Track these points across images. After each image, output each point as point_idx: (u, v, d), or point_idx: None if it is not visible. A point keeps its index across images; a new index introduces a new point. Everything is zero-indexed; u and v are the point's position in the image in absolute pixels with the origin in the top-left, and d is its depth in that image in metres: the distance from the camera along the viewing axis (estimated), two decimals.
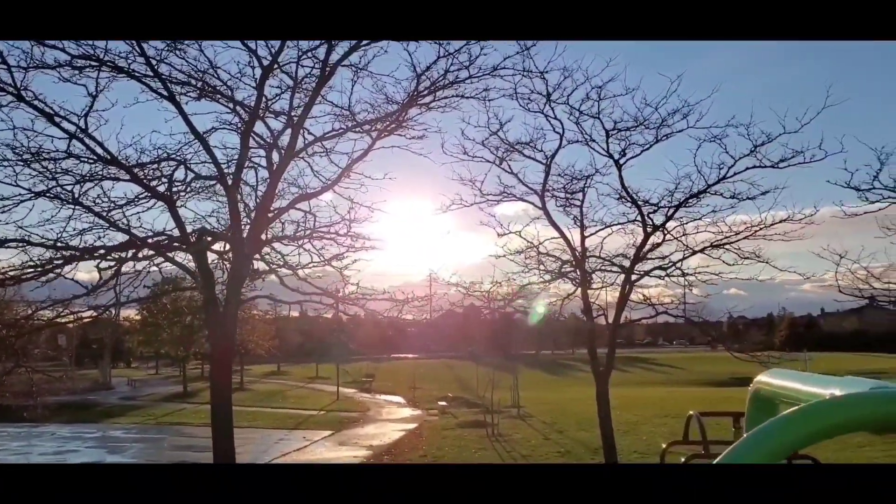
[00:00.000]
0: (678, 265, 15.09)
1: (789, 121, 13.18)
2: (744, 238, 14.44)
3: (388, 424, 32.36)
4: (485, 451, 24.06)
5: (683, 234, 15.01)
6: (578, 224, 15.52)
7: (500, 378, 35.92)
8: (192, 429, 31.39)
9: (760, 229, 14.29)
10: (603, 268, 15.97)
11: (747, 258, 14.43)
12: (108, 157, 11.97)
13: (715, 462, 1.02)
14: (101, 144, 11.86)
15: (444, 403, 39.26)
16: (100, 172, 12.31)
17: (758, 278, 14.90)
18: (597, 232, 15.65)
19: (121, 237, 12.57)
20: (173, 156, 12.97)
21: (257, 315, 49.07)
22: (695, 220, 14.88)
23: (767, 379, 1.55)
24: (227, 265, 13.46)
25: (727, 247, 14.56)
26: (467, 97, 13.29)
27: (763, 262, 14.49)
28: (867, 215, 12.98)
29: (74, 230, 12.10)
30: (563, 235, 15.48)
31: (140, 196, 12.80)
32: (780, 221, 14.18)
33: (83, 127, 11.56)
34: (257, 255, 13.41)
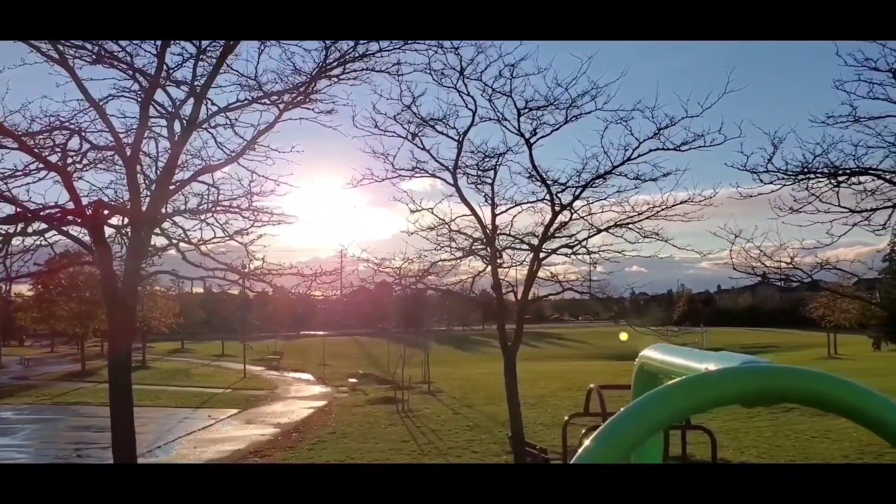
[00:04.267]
0: (584, 243, 15.48)
1: (691, 105, 13.67)
2: (646, 218, 14.94)
3: (297, 402, 32.07)
4: (394, 426, 24.19)
5: (589, 214, 15.39)
6: (489, 202, 15.68)
7: (412, 354, 36.15)
8: (91, 408, 30.15)
9: (662, 209, 14.80)
10: (513, 245, 16.21)
11: (648, 237, 14.93)
12: None
13: (595, 434, 1.02)
14: None
15: (354, 380, 39.19)
16: None
17: (658, 256, 15.47)
18: (507, 210, 15.86)
19: (9, 209, 11.85)
20: (67, 124, 12.28)
21: (160, 291, 47.49)
22: (601, 199, 15.28)
23: (651, 353, 1.59)
24: (126, 240, 12.90)
25: (630, 226, 15.02)
26: (378, 70, 13.13)
27: (663, 240, 15.03)
28: (761, 196, 13.63)
29: None
30: (474, 213, 15.61)
31: (30, 166, 12.06)
32: (681, 203, 14.73)
33: None
34: (157, 230, 12.91)
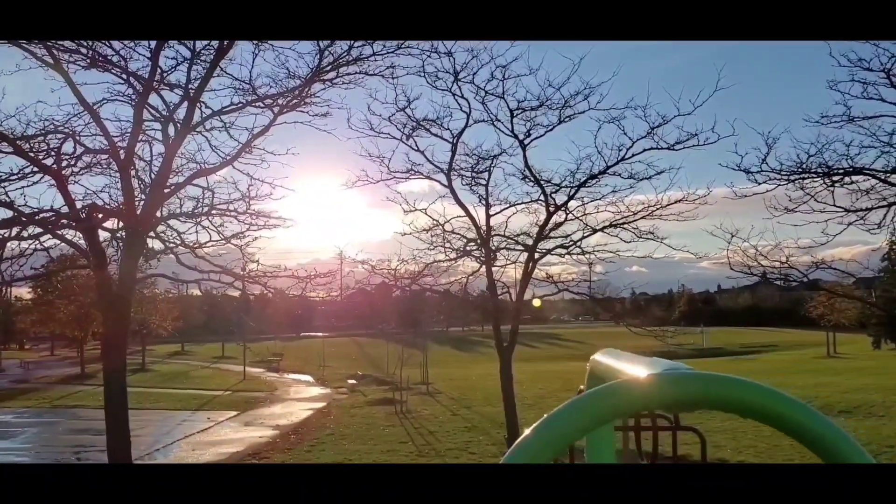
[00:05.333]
0: (579, 244, 15.49)
1: (683, 104, 13.69)
2: (641, 218, 14.95)
3: (296, 404, 32.04)
4: (393, 427, 24.17)
5: (584, 214, 15.41)
6: (484, 202, 15.71)
7: (410, 355, 36.12)
8: (89, 411, 30.11)
9: (657, 209, 14.81)
10: (507, 246, 16.24)
11: (643, 237, 14.95)
12: None
13: (531, 429, 1.04)
14: None
15: (353, 381, 39.16)
16: None
17: (653, 256, 15.49)
18: (502, 211, 15.89)
19: (3, 213, 11.88)
20: (61, 128, 12.31)
21: (159, 294, 47.50)
22: (595, 199, 15.29)
23: (599, 358, 1.61)
24: (121, 243, 12.92)
25: (625, 226, 15.03)
26: (372, 74, 13.15)
27: (658, 240, 15.05)
28: (756, 196, 13.65)
29: None
30: (468, 214, 15.64)
31: (25, 170, 12.10)
32: (676, 202, 14.74)
33: None
34: (152, 233, 12.93)
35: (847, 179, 12.85)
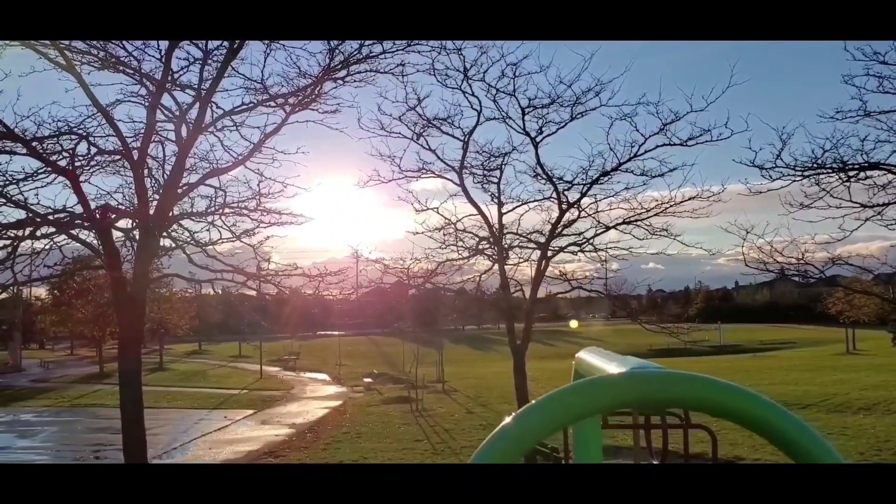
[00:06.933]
0: (591, 241, 15.42)
1: (696, 100, 13.59)
2: (654, 214, 14.86)
3: (312, 402, 32.17)
4: (408, 426, 24.20)
5: (597, 211, 15.34)
6: (496, 201, 15.67)
7: (426, 353, 36.16)
8: (107, 410, 30.36)
9: (670, 206, 14.72)
10: (520, 244, 16.19)
11: (656, 234, 14.85)
12: (4, 130, 11.36)
13: (489, 437, 1.02)
14: None
15: (369, 380, 39.25)
16: None
17: (666, 252, 15.39)
18: (514, 209, 15.85)
19: (18, 214, 11.99)
20: (75, 129, 12.40)
21: (176, 293, 47.85)
22: (608, 196, 15.22)
23: (582, 355, 1.60)
24: (134, 243, 13.01)
25: (638, 223, 14.95)
26: (382, 72, 13.16)
27: (671, 237, 14.96)
28: (771, 193, 13.53)
29: None
30: (480, 212, 15.61)
31: (39, 171, 12.20)
32: (690, 199, 14.65)
33: None
34: (165, 233, 13.00)
35: (863, 175, 12.70)
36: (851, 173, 12.82)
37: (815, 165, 12.87)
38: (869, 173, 12.69)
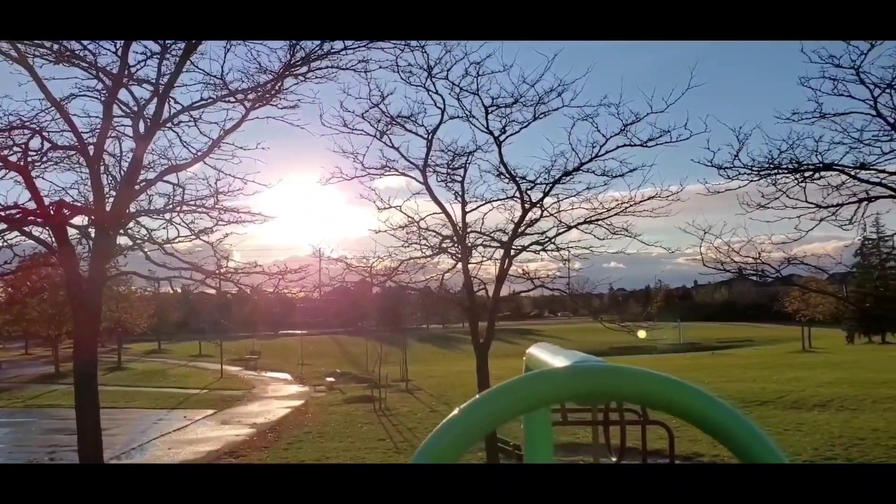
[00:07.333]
0: (554, 240, 15.50)
1: (656, 101, 13.73)
2: (615, 214, 14.97)
3: (274, 402, 31.90)
4: (371, 425, 24.14)
5: (559, 211, 15.41)
6: (459, 199, 15.64)
7: (390, 353, 36.09)
8: (63, 411, 29.70)
9: (631, 205, 14.85)
10: (483, 243, 16.20)
11: (617, 233, 14.98)
12: None
13: (430, 435, 1.01)
14: None
15: (331, 379, 39.04)
16: None
17: (626, 251, 15.54)
18: (477, 207, 15.83)
19: None
20: (28, 123, 12.11)
21: (134, 292, 47.03)
22: (570, 196, 15.30)
23: (532, 351, 1.60)
24: (90, 240, 12.74)
25: (599, 222, 15.06)
26: (344, 69, 13.05)
27: (631, 236, 15.10)
28: (728, 193, 13.73)
29: None
30: (444, 210, 15.56)
31: None
32: (649, 198, 14.79)
33: None
34: (122, 230, 12.75)
35: (818, 175, 12.96)
36: (807, 174, 13.06)
37: (771, 166, 13.09)
38: (824, 174, 12.94)
